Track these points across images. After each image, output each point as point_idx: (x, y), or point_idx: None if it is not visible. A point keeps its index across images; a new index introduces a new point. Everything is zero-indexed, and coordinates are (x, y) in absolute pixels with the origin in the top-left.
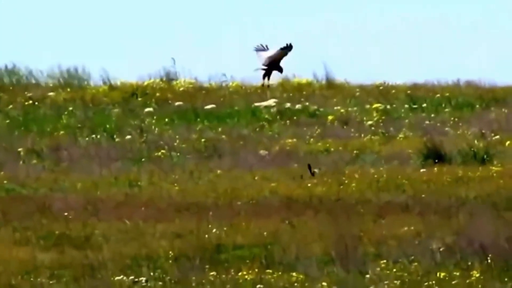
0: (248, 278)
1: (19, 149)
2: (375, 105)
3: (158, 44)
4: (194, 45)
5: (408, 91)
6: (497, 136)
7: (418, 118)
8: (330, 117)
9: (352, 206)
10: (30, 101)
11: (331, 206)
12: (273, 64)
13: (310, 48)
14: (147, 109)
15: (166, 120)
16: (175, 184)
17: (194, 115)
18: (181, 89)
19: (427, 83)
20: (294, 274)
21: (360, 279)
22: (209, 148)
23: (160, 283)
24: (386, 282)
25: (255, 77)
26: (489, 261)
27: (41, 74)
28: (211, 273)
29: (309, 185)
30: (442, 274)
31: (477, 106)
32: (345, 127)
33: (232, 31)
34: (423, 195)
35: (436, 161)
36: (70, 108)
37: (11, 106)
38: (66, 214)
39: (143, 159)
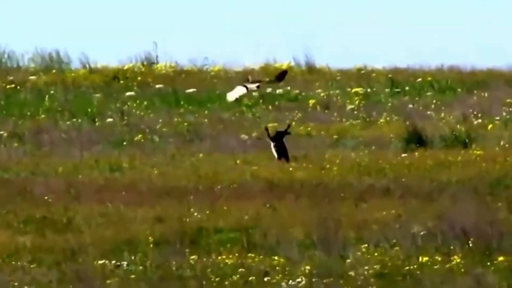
0: (229, 262)
1: (1, 133)
2: (356, 89)
3: (139, 28)
4: (176, 28)
5: (389, 75)
6: (479, 120)
7: (400, 102)
8: (311, 102)
9: (334, 190)
10: (12, 85)
11: (313, 190)
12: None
13: (290, 32)
14: (128, 93)
15: (147, 103)
16: (156, 168)
17: (175, 98)
18: (163, 72)
19: (409, 68)
20: (275, 257)
21: (341, 263)
22: (190, 131)
23: (141, 267)
24: (366, 267)
25: (237, 62)
26: (470, 245)
27: (22, 58)
28: (192, 257)
29: (290, 169)
30: (425, 258)
31: (459, 90)
32: (326, 111)
33: (215, 14)
34: (404, 179)
35: (418, 145)
36: (52, 92)
37: None
38: (47, 198)
39: (124, 143)
